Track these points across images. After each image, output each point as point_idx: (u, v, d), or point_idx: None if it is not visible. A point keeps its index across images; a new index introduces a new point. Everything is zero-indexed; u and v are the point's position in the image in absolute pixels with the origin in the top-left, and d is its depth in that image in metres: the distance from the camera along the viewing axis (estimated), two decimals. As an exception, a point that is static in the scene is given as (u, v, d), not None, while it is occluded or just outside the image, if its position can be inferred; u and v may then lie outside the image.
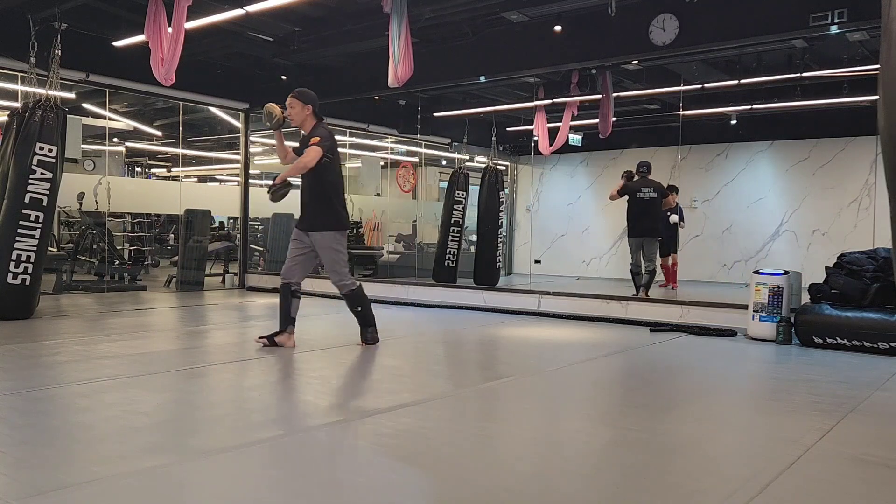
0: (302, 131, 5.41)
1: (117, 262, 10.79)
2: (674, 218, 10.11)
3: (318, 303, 9.19)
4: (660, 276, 9.62)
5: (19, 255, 6.59)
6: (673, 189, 10.27)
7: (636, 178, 9.12)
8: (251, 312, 8.17)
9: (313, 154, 5.08)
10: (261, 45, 9.21)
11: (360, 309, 5.51)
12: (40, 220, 6.73)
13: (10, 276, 6.55)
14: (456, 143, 13.20)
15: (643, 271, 8.93)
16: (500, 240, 10.55)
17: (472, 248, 11.22)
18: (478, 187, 10.65)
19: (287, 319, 5.45)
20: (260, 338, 5.49)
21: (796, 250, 11.35)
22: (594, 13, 7.42)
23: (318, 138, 5.17)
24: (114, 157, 13.50)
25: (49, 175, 6.71)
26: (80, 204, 10.12)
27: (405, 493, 2.51)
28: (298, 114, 5.30)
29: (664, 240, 9.91)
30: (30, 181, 6.60)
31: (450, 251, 10.35)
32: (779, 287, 6.27)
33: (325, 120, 5.41)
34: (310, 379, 4.49)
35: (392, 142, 14.18)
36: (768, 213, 11.74)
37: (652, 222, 8.97)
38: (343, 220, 5.38)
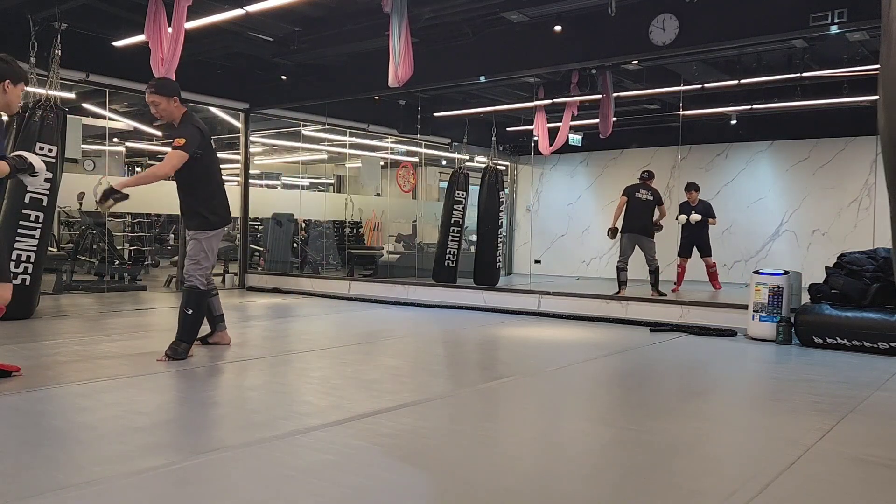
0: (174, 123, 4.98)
1: (117, 262, 10.79)
2: (694, 217, 10.01)
3: (318, 303, 9.19)
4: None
5: (19, 255, 6.59)
6: (692, 187, 10.27)
7: (638, 181, 9.66)
8: (251, 312, 8.17)
9: (173, 161, 4.75)
10: (261, 45, 9.20)
11: (190, 312, 4.87)
12: (40, 220, 6.73)
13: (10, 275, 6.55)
14: (456, 143, 13.20)
15: (649, 270, 9.41)
16: (500, 240, 10.55)
17: (472, 248, 11.22)
18: (478, 187, 10.65)
19: (213, 319, 5.38)
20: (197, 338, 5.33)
21: (796, 250, 11.34)
22: (594, 13, 7.42)
23: (183, 140, 4.79)
24: (114, 157, 13.50)
25: (49, 175, 6.70)
26: (80, 204, 10.13)
27: (405, 493, 2.51)
28: (166, 108, 4.86)
29: (699, 243, 10.15)
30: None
31: (450, 251, 10.35)
32: (779, 287, 6.26)
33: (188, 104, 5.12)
34: (310, 379, 4.49)
35: (392, 142, 14.18)
36: (768, 213, 11.73)
37: (643, 221, 9.42)
38: (215, 222, 4.99)
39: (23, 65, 7.19)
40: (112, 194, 4.62)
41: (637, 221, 9.40)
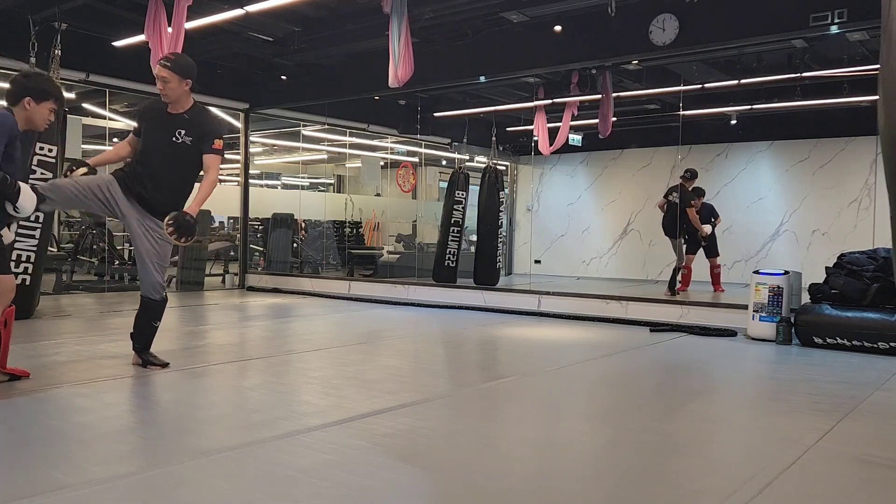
0: (170, 108, 4.41)
1: (117, 262, 10.79)
2: (706, 228, 9.83)
3: (318, 303, 9.19)
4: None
5: (19, 255, 6.59)
6: (698, 192, 9.86)
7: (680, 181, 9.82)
8: (251, 312, 8.17)
9: (218, 165, 4.39)
10: (261, 45, 9.20)
11: (156, 324, 4.57)
12: (40, 220, 6.73)
13: (9, 276, 6.55)
14: (456, 143, 13.20)
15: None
16: (500, 240, 10.55)
17: (472, 248, 11.22)
18: (478, 187, 10.65)
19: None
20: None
21: (796, 250, 11.33)
22: (594, 13, 7.42)
23: (221, 141, 4.41)
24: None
25: (49, 175, 6.70)
26: (80, 204, 10.09)
27: (405, 493, 2.51)
28: (175, 89, 4.34)
29: (708, 243, 10.03)
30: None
31: (450, 251, 10.34)
32: (779, 287, 6.26)
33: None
34: (310, 379, 4.49)
35: (392, 142, 14.18)
36: (768, 213, 11.73)
37: (668, 222, 9.64)
38: None
39: (23, 65, 7.26)
40: (193, 225, 4.23)
41: (665, 222, 9.66)
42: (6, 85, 4.08)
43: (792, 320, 6.14)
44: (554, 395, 4.31)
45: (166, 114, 4.42)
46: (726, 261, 11.11)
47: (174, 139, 4.35)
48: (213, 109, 11.10)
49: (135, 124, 4.63)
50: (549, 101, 10.43)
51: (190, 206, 4.30)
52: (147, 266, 4.41)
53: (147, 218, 4.37)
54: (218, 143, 4.41)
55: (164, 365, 4.55)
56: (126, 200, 4.35)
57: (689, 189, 9.61)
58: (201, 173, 4.53)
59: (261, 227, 12.78)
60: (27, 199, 3.79)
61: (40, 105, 3.92)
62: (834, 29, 6.37)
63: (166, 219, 4.17)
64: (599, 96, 9.77)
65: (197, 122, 4.42)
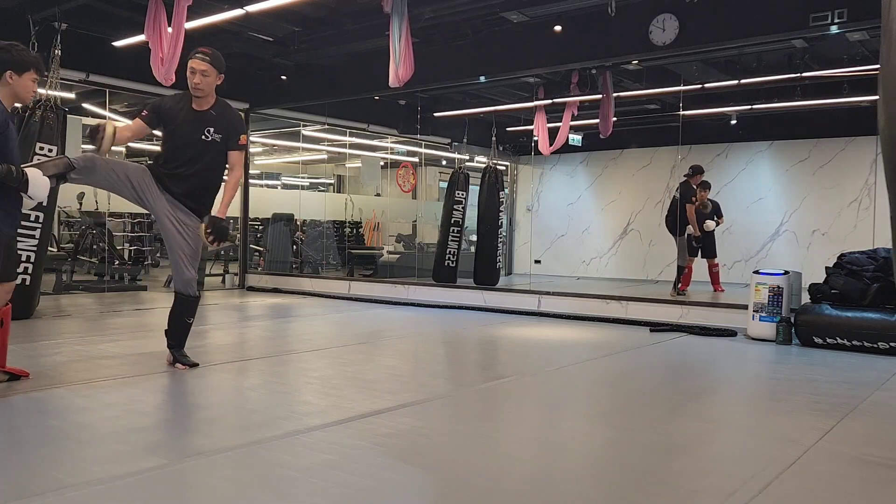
0: (195, 104, 4.39)
1: (117, 262, 10.79)
2: (710, 224, 9.57)
3: (318, 303, 9.19)
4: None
5: (19, 255, 6.59)
6: (704, 185, 9.60)
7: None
8: (251, 312, 8.17)
9: (242, 166, 4.54)
10: (261, 45, 9.20)
11: (190, 321, 4.61)
12: (40, 220, 6.73)
13: (10, 276, 6.55)
14: (456, 143, 13.20)
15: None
16: (500, 240, 10.55)
17: (472, 248, 11.22)
18: (478, 187, 10.65)
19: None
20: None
21: (796, 250, 11.33)
22: (594, 13, 7.42)
23: (245, 136, 4.55)
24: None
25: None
26: (80, 204, 10.13)
27: (405, 493, 2.51)
28: (211, 83, 4.33)
29: (705, 243, 9.73)
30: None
31: (450, 251, 10.34)
32: (779, 287, 6.26)
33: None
34: (310, 379, 4.49)
35: (392, 142, 14.18)
36: (768, 213, 11.73)
37: (672, 219, 9.51)
38: None
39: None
40: (227, 229, 4.34)
41: (668, 219, 9.57)
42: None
43: (792, 320, 6.14)
44: (554, 395, 4.31)
45: (193, 111, 4.39)
46: (726, 261, 11.10)
47: (204, 137, 4.37)
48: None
49: (145, 113, 4.44)
50: (549, 101, 10.43)
51: (218, 209, 4.36)
52: (179, 261, 4.43)
53: (180, 211, 4.36)
54: (243, 139, 4.52)
55: (194, 365, 4.57)
56: (159, 193, 4.34)
57: (693, 186, 9.48)
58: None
59: (261, 227, 12.77)
60: (39, 186, 3.70)
61: (22, 77, 3.79)
62: (834, 29, 6.38)
63: (203, 226, 4.24)
64: (599, 96, 9.77)
65: (224, 119, 4.45)
